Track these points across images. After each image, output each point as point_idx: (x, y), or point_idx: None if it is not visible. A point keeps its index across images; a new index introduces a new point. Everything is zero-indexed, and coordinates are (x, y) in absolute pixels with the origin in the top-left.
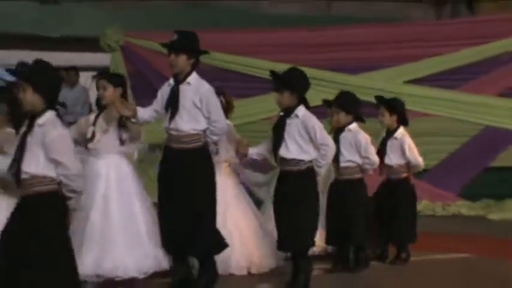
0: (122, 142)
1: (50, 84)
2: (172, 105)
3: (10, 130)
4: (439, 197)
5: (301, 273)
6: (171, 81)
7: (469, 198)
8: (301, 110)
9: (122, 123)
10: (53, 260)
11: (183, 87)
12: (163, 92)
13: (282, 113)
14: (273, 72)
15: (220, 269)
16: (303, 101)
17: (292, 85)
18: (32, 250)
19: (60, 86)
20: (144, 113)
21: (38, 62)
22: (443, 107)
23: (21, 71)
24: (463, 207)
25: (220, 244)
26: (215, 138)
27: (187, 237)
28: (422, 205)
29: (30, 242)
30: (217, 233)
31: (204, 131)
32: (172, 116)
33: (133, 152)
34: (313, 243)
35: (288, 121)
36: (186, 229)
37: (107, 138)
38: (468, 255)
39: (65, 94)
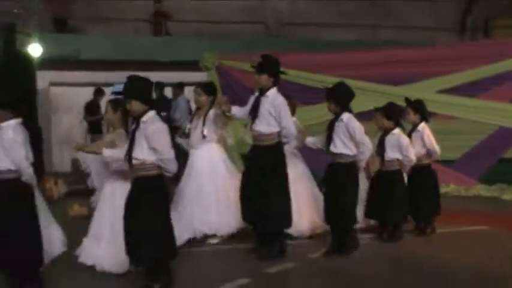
0: (204, 136)
1: (143, 91)
2: (254, 112)
3: (121, 131)
4: (463, 181)
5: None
6: (256, 93)
7: (486, 182)
8: (345, 116)
9: (204, 120)
10: (158, 220)
11: (263, 99)
12: (251, 100)
13: (332, 118)
14: (324, 88)
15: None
16: (347, 108)
17: (337, 97)
18: (143, 214)
19: (151, 89)
20: (237, 111)
21: (131, 78)
22: (466, 112)
23: (123, 89)
24: (482, 190)
25: (289, 221)
26: (285, 140)
27: (261, 212)
28: (450, 188)
29: (142, 210)
30: (287, 210)
31: (278, 132)
32: (253, 120)
33: (221, 139)
34: (356, 220)
35: (336, 124)
36: (260, 205)
37: (197, 133)
38: (486, 228)
39: (173, 103)
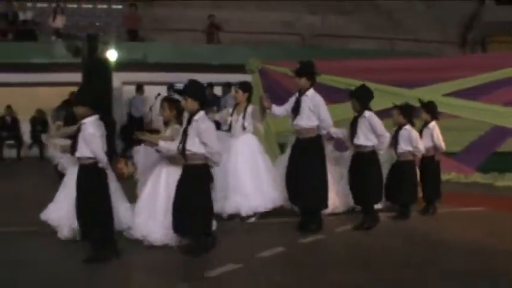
0: (244, 128)
1: (199, 93)
2: (295, 110)
3: (177, 126)
4: (463, 170)
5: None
6: (297, 94)
7: (482, 171)
8: (367, 113)
9: (244, 114)
10: (203, 200)
11: (303, 98)
12: (292, 100)
13: (355, 114)
14: (348, 89)
15: None
16: (368, 107)
17: (360, 96)
18: (191, 195)
19: (205, 92)
20: (277, 109)
21: (191, 81)
22: (466, 112)
23: (183, 88)
24: (479, 177)
25: (326, 201)
26: (324, 131)
27: (304, 193)
28: (452, 175)
29: (190, 193)
30: (324, 192)
31: (317, 126)
32: (294, 117)
33: (258, 131)
34: (380, 199)
35: (359, 120)
36: (303, 187)
37: (238, 125)
38: (483, 209)
39: (222, 99)
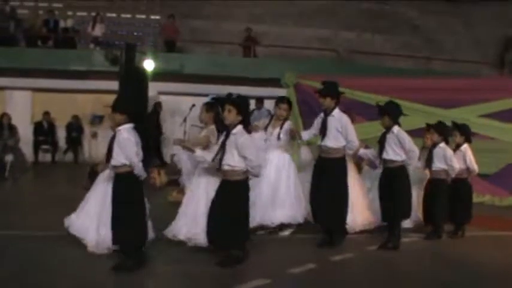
0: (279, 137)
1: (246, 109)
2: (323, 131)
3: (213, 127)
4: (497, 193)
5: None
6: (322, 114)
7: None
8: (395, 128)
9: (281, 126)
10: (239, 214)
11: (329, 119)
12: (318, 121)
13: (384, 131)
14: (377, 105)
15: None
16: (397, 122)
17: (390, 112)
18: (227, 211)
19: (249, 110)
20: (306, 135)
21: (241, 96)
22: (502, 134)
23: (232, 98)
24: None
25: (345, 220)
26: (350, 152)
27: (327, 212)
28: (486, 198)
29: (226, 208)
30: (343, 215)
31: (343, 146)
32: (323, 137)
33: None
34: (409, 215)
35: (387, 136)
36: (326, 205)
37: (273, 138)
38: None
39: (255, 113)
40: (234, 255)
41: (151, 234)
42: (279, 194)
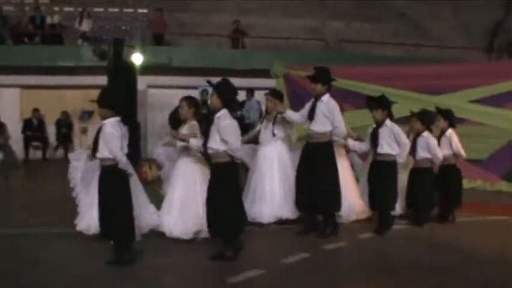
0: (274, 134)
1: (228, 92)
2: (311, 115)
3: (194, 122)
4: (488, 178)
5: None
6: (313, 99)
7: (508, 179)
8: (388, 122)
9: (274, 121)
10: (233, 199)
11: (318, 104)
12: (307, 106)
13: (374, 125)
14: (368, 97)
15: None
16: (391, 115)
17: (385, 106)
18: (221, 196)
19: (234, 94)
20: (292, 114)
21: (223, 80)
22: (492, 119)
23: (214, 84)
24: (504, 186)
25: (339, 204)
26: (337, 138)
27: (317, 198)
28: (477, 183)
29: (220, 192)
30: (337, 197)
31: (330, 131)
32: (310, 122)
33: (288, 138)
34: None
35: (380, 130)
36: (316, 193)
37: (267, 132)
38: (507, 218)
39: (246, 104)
40: (226, 257)
41: (153, 223)
42: (273, 189)
